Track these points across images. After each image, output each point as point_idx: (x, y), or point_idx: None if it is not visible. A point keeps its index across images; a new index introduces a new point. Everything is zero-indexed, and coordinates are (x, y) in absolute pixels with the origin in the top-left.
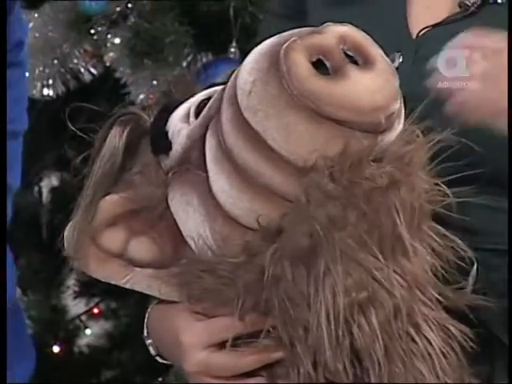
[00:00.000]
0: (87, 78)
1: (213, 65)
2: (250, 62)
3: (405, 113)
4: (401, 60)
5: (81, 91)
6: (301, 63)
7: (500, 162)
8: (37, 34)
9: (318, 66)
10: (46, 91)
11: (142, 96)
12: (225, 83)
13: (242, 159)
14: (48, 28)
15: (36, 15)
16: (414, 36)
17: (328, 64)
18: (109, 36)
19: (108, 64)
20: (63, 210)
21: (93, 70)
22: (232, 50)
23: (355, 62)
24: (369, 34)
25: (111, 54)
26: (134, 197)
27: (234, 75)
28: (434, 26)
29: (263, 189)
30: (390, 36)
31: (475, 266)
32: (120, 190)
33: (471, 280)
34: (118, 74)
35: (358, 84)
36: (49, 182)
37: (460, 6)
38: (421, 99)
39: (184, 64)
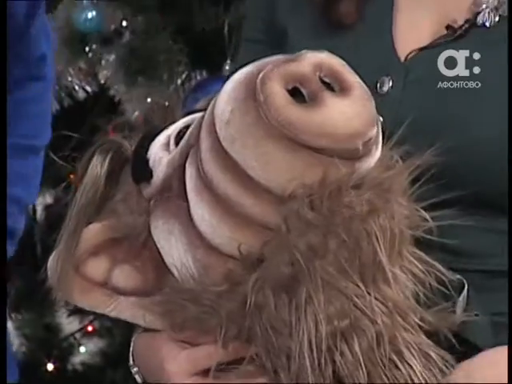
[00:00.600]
0: (81, 95)
1: (207, 82)
2: (226, 91)
3: (391, 137)
4: (391, 84)
5: (75, 109)
6: (277, 92)
7: (484, 181)
8: None
9: (295, 93)
10: None
11: (136, 113)
12: (203, 110)
13: (221, 189)
14: None
15: None
16: (403, 59)
17: (304, 92)
18: (103, 54)
19: (102, 81)
20: (57, 228)
21: (87, 88)
22: (227, 67)
23: (332, 89)
24: (356, 61)
25: (105, 72)
26: (116, 225)
27: (211, 103)
28: (421, 49)
29: (243, 218)
30: (378, 60)
31: (465, 289)
32: (103, 219)
33: (461, 302)
34: (112, 92)
35: (334, 111)
36: (43, 200)
37: (447, 28)
38: (409, 126)
39: (178, 82)
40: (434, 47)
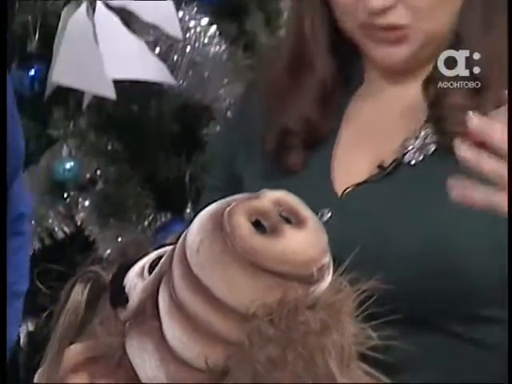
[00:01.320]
0: (60, 235)
1: (171, 224)
2: (196, 224)
3: (333, 264)
4: (329, 215)
5: (54, 247)
6: (242, 224)
7: (420, 303)
8: None
9: (258, 225)
10: None
11: (108, 251)
12: (173, 243)
13: (191, 309)
14: None
15: None
16: (340, 194)
17: (265, 224)
18: (80, 199)
19: (79, 223)
20: (39, 352)
21: (65, 229)
22: (187, 210)
23: (289, 222)
24: (302, 196)
25: (82, 215)
26: (95, 345)
27: (182, 236)
28: (356, 185)
29: (211, 335)
30: (320, 196)
31: None
32: (83, 340)
33: None
34: (87, 232)
35: (292, 241)
36: (26, 328)
37: (379, 167)
38: (349, 250)
39: (146, 223)
40: (368, 183)
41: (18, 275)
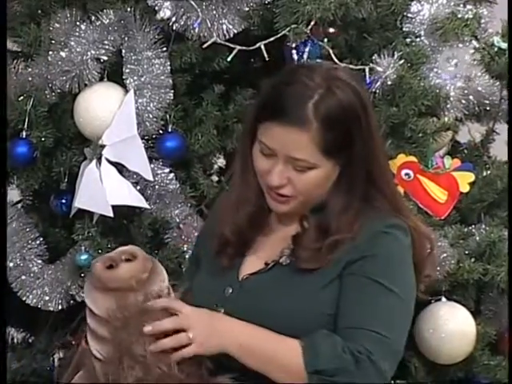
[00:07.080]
0: (79, 299)
1: None
2: None
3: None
4: (231, 291)
5: (75, 306)
6: (98, 266)
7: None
8: None
9: (111, 266)
10: None
11: None
12: None
13: (89, 322)
14: None
15: None
16: (240, 279)
17: (113, 265)
18: None
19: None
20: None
21: (82, 295)
22: None
23: (129, 260)
24: (219, 276)
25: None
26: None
27: None
28: (250, 274)
29: (97, 335)
30: (229, 279)
31: None
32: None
33: None
34: None
35: (122, 270)
36: (58, 355)
37: (265, 264)
38: (240, 311)
39: None
40: (257, 273)
41: None
